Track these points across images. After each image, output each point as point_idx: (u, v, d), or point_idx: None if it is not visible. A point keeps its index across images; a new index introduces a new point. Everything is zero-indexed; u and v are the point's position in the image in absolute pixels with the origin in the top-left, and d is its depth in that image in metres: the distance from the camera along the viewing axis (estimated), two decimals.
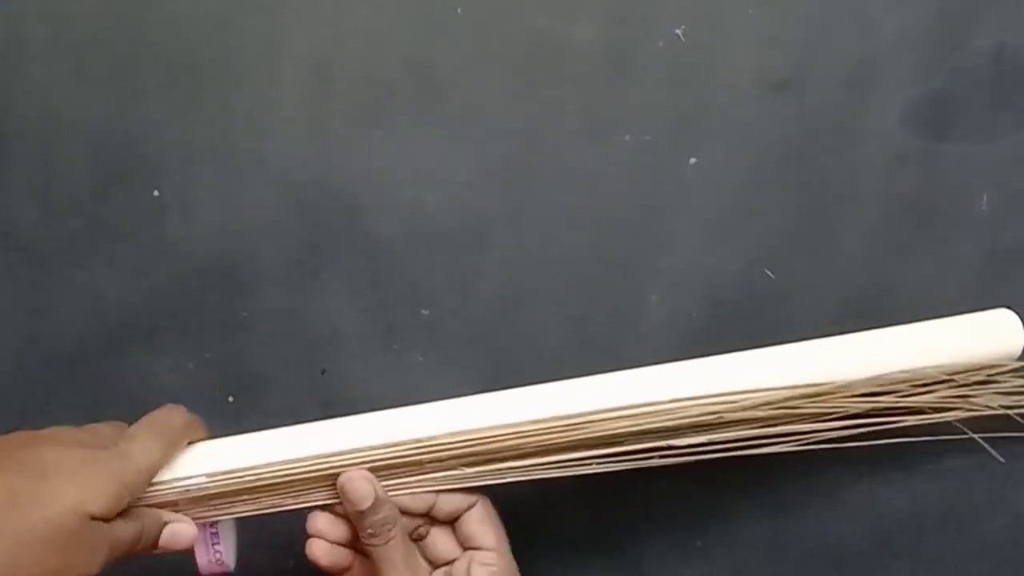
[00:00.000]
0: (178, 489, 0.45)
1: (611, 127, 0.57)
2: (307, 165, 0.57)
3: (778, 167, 0.57)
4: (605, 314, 0.58)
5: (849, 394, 0.50)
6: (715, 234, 0.57)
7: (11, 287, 0.58)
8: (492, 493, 0.50)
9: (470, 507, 0.48)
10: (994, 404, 0.54)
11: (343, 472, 0.46)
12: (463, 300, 0.58)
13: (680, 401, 0.48)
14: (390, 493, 0.47)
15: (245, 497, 0.46)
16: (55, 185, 0.57)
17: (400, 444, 0.47)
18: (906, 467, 0.58)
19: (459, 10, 0.56)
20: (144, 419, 0.46)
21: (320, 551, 0.47)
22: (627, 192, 0.57)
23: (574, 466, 0.48)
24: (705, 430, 0.49)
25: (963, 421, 0.53)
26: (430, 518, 0.48)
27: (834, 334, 0.53)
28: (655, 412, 0.48)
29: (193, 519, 0.46)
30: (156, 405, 0.48)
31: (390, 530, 0.46)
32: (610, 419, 0.48)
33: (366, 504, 0.45)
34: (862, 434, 0.51)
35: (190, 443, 0.47)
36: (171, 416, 0.46)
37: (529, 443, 0.47)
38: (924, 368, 0.52)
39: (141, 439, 0.44)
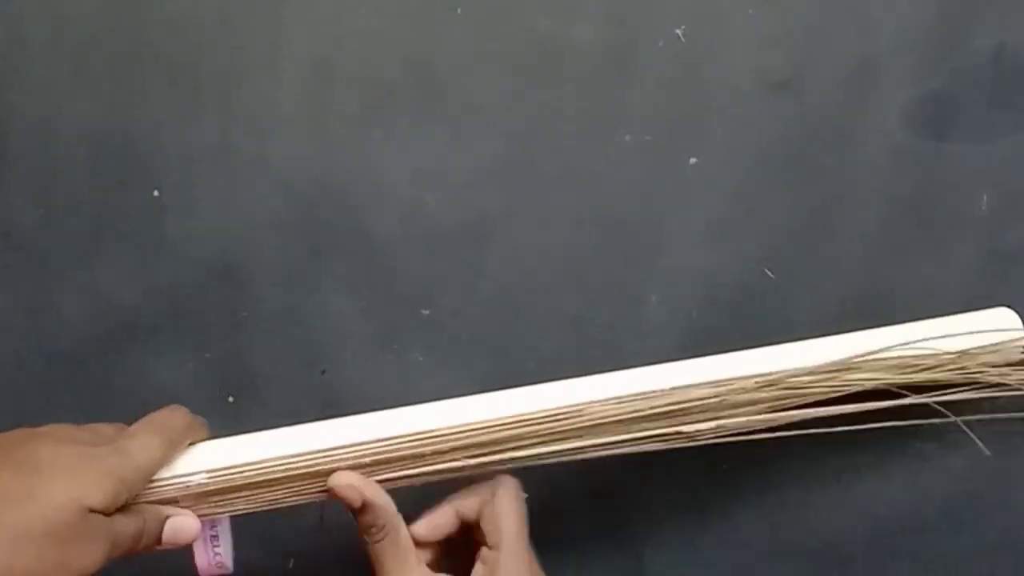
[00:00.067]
0: (178, 485, 0.45)
1: (611, 127, 0.57)
2: (307, 165, 0.57)
3: (778, 167, 0.57)
4: (605, 314, 0.58)
5: (851, 377, 0.50)
6: (715, 234, 0.57)
7: (11, 287, 0.58)
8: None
9: (484, 504, 0.48)
10: (993, 403, 0.54)
11: (334, 473, 0.46)
12: (463, 300, 0.58)
13: (680, 389, 0.49)
14: (396, 485, 0.47)
15: (246, 493, 0.46)
16: (55, 185, 0.57)
17: (400, 437, 0.47)
18: (906, 467, 0.58)
19: (459, 10, 0.56)
20: (145, 418, 0.46)
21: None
22: (627, 192, 0.57)
23: (576, 453, 0.48)
24: (707, 416, 0.49)
25: (963, 419, 0.53)
26: (466, 535, 0.49)
27: (834, 334, 0.53)
28: (656, 396, 0.48)
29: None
30: (156, 405, 0.48)
31: (377, 532, 0.46)
32: (611, 405, 0.48)
33: (354, 506, 0.46)
34: (863, 416, 0.51)
35: (191, 444, 0.46)
36: (173, 416, 0.46)
37: (530, 432, 0.47)
38: (924, 365, 0.52)
39: (140, 437, 0.44)
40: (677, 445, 0.50)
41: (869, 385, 0.51)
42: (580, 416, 0.48)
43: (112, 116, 0.57)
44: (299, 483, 0.47)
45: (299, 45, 0.56)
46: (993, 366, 0.53)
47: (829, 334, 0.53)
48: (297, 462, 0.46)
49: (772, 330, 0.54)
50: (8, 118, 0.57)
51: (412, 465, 0.48)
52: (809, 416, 0.51)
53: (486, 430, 0.47)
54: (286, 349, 0.58)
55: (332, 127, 0.57)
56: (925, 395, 0.52)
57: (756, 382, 0.50)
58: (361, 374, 0.58)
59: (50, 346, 0.58)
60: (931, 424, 0.54)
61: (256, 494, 0.46)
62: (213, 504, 0.46)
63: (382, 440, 0.47)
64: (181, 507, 0.46)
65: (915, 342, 0.52)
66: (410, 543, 0.47)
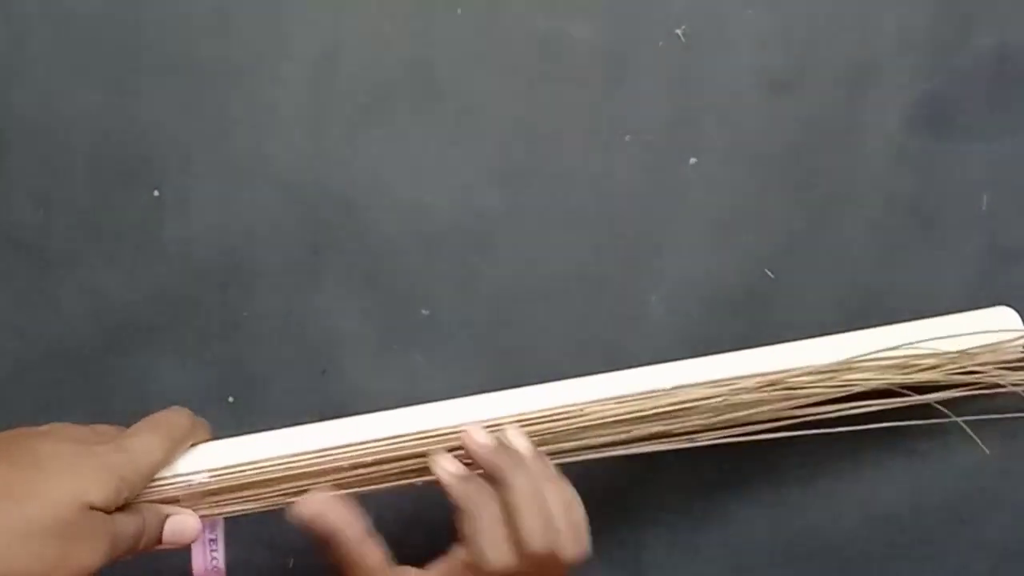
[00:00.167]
0: (180, 485, 0.45)
1: (611, 127, 0.57)
2: (307, 165, 0.57)
3: (778, 167, 0.57)
4: (605, 314, 0.58)
5: (852, 376, 0.50)
6: (715, 234, 0.57)
7: (11, 287, 0.58)
8: None
9: None
10: (993, 402, 0.54)
11: (304, 496, 0.45)
12: (463, 300, 0.58)
13: (681, 388, 0.49)
14: (397, 485, 0.47)
15: (247, 493, 0.46)
16: (55, 185, 0.57)
17: (401, 437, 0.47)
18: (907, 467, 0.58)
19: (459, 10, 0.56)
20: (147, 418, 0.46)
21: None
22: (627, 192, 0.57)
23: (577, 453, 0.49)
24: (708, 416, 0.49)
25: (963, 419, 0.54)
26: None
27: (834, 334, 0.53)
28: (657, 396, 0.49)
29: None
30: (156, 405, 0.48)
31: (339, 560, 0.46)
32: (612, 405, 0.48)
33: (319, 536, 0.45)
34: (863, 416, 0.51)
35: (193, 444, 0.46)
36: (175, 416, 0.46)
37: (531, 432, 0.47)
38: (924, 365, 0.52)
39: (142, 436, 0.44)
40: (678, 446, 0.50)
41: (870, 385, 0.51)
42: (581, 416, 0.48)
43: (112, 116, 0.57)
44: (300, 482, 0.47)
45: (299, 45, 0.56)
46: (993, 365, 0.53)
47: (829, 334, 0.53)
48: (298, 461, 0.46)
49: (772, 330, 0.54)
50: (8, 118, 0.57)
51: (413, 466, 0.48)
52: (810, 417, 0.51)
53: (487, 430, 0.47)
54: (286, 349, 0.58)
55: (332, 127, 0.57)
56: (925, 395, 0.52)
57: (757, 382, 0.50)
58: (361, 374, 0.58)
59: (50, 346, 0.58)
60: (931, 424, 0.54)
61: (257, 494, 0.46)
62: (214, 504, 0.46)
63: (382, 440, 0.47)
64: (182, 507, 0.46)
65: (915, 342, 0.52)
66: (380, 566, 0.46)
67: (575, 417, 0.48)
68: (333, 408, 0.50)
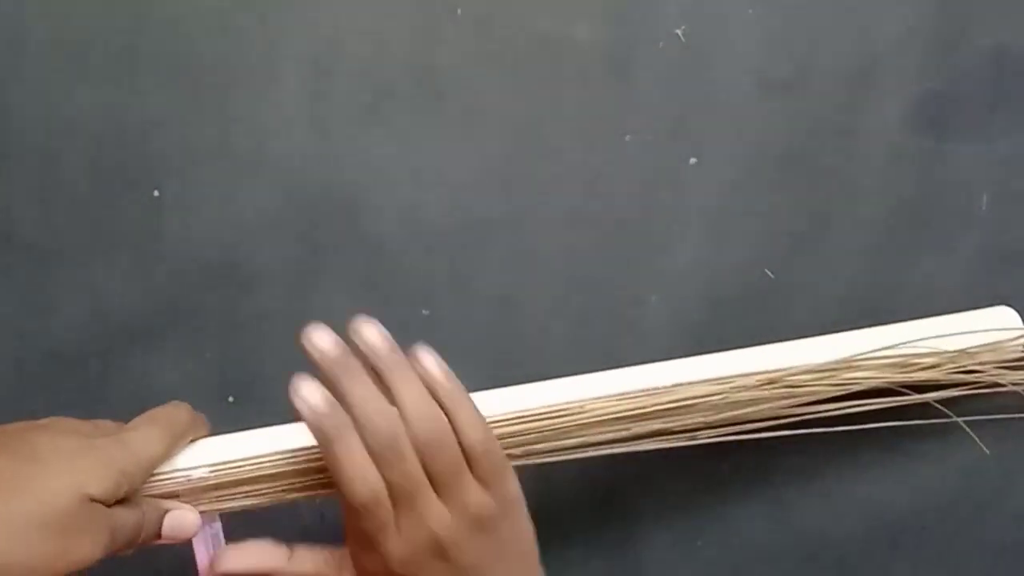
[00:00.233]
0: (179, 480, 0.45)
1: (611, 127, 0.57)
2: (307, 165, 0.57)
3: (778, 167, 0.57)
4: (605, 314, 0.58)
5: (852, 375, 0.50)
6: (715, 234, 0.57)
7: (11, 287, 0.58)
8: None
9: None
10: (992, 402, 0.54)
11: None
12: (463, 300, 0.58)
13: (682, 386, 0.49)
14: None
15: (247, 488, 0.46)
16: (55, 185, 0.57)
17: None
18: (906, 467, 0.58)
19: (459, 10, 0.56)
20: (147, 413, 0.45)
21: None
22: (627, 192, 0.57)
23: (576, 451, 0.48)
24: (708, 413, 0.49)
25: (963, 419, 0.54)
26: None
27: (834, 333, 0.53)
28: (658, 393, 0.49)
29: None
30: (156, 405, 0.47)
31: None
32: (612, 402, 0.48)
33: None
34: (863, 415, 0.51)
35: (193, 440, 0.46)
36: (175, 411, 0.46)
37: (530, 428, 0.47)
38: (924, 364, 0.52)
39: (142, 430, 0.44)
40: (678, 444, 0.50)
41: (869, 384, 0.51)
42: (581, 413, 0.48)
43: (112, 116, 0.57)
44: (301, 478, 0.46)
45: (299, 45, 0.56)
46: (993, 365, 0.54)
47: (829, 334, 0.53)
48: (299, 455, 0.46)
49: (772, 330, 0.54)
50: (8, 118, 0.57)
51: None
52: (809, 416, 0.51)
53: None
54: (286, 349, 0.58)
55: (332, 127, 0.57)
56: (925, 395, 0.52)
57: (757, 379, 0.50)
58: None
59: (50, 346, 0.58)
60: (931, 424, 0.54)
61: (257, 489, 0.46)
62: (214, 499, 0.46)
63: None
64: (182, 502, 0.45)
65: (915, 340, 0.52)
66: None
67: (575, 414, 0.48)
68: None
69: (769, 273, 0.57)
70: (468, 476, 0.43)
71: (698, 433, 0.50)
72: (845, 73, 0.56)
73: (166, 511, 0.44)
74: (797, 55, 0.56)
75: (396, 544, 0.43)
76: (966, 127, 0.56)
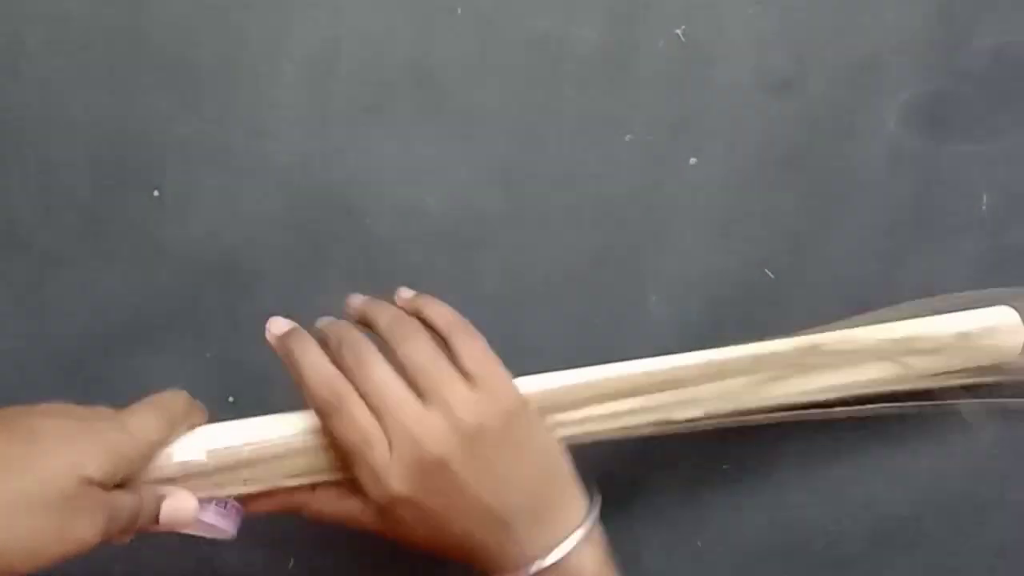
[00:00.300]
0: (176, 465, 0.45)
1: (611, 127, 0.57)
2: (307, 165, 0.57)
3: (778, 167, 0.57)
4: (605, 314, 0.58)
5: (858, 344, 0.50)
6: (715, 234, 0.57)
7: (11, 287, 0.58)
8: None
9: None
10: (993, 393, 0.54)
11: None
12: (463, 300, 0.58)
13: (680, 368, 0.49)
14: None
15: (245, 473, 0.46)
16: (55, 185, 0.57)
17: None
18: (906, 467, 0.58)
19: (459, 10, 0.56)
20: (146, 399, 0.45)
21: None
22: (627, 192, 0.57)
23: (575, 425, 0.48)
24: (705, 391, 0.49)
25: (963, 406, 0.54)
26: None
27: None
28: (655, 373, 0.49)
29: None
30: None
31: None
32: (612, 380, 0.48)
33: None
34: (863, 399, 0.51)
35: (192, 427, 0.46)
36: (173, 397, 0.46)
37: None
38: (924, 363, 0.52)
39: (141, 414, 0.44)
40: (676, 429, 0.49)
41: (871, 373, 0.51)
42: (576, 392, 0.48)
43: (112, 116, 0.57)
44: (298, 459, 0.46)
45: (299, 45, 0.56)
46: (993, 365, 0.54)
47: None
48: (296, 439, 0.46)
49: (772, 330, 0.54)
50: (8, 118, 0.57)
51: None
52: (809, 399, 0.51)
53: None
54: None
55: (332, 127, 0.57)
56: (927, 379, 0.52)
57: (755, 358, 0.49)
58: None
59: (50, 346, 0.58)
60: (930, 424, 0.54)
61: (255, 474, 0.46)
62: (212, 485, 0.45)
63: None
64: (180, 487, 0.45)
65: (916, 337, 0.52)
66: None
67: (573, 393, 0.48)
68: None
69: (769, 273, 0.57)
70: (453, 373, 0.44)
71: (699, 421, 0.49)
72: (845, 73, 0.56)
73: (163, 496, 0.44)
74: (797, 55, 0.56)
75: (393, 471, 0.42)
76: (966, 127, 0.56)
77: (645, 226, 0.57)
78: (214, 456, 0.45)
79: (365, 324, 0.47)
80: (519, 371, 0.52)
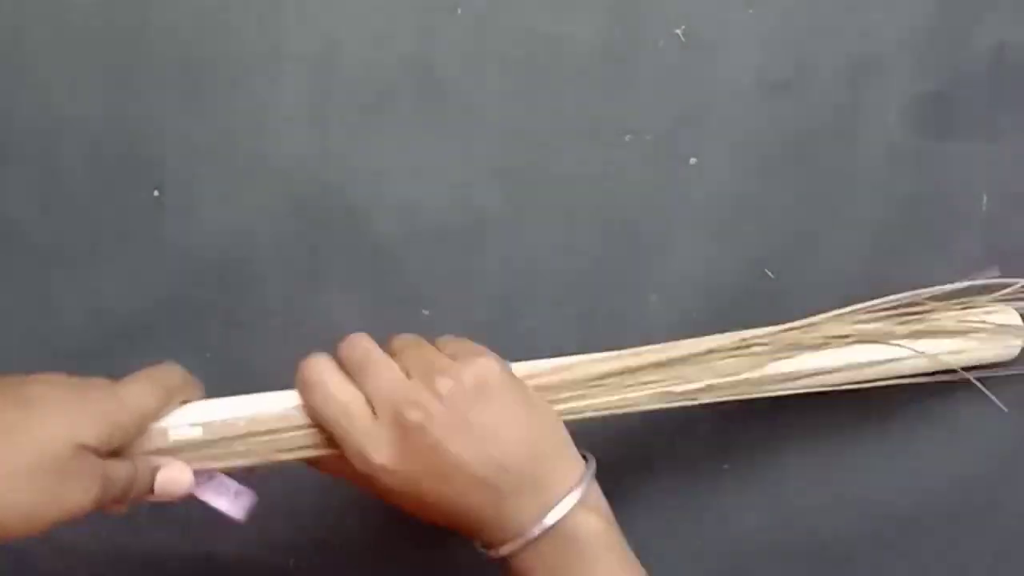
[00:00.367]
0: (171, 437, 0.45)
1: (611, 127, 0.57)
2: (307, 165, 0.57)
3: (778, 167, 0.57)
4: (605, 314, 0.58)
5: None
6: (715, 234, 0.57)
7: (11, 287, 0.58)
8: None
9: None
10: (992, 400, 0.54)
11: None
12: (463, 300, 0.58)
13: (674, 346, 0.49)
14: None
15: (240, 447, 0.46)
16: (55, 185, 0.57)
17: None
18: (906, 466, 0.58)
19: (459, 10, 0.56)
20: (141, 370, 0.45)
21: None
22: (627, 192, 0.57)
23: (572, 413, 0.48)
24: (701, 369, 0.49)
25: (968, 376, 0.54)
26: None
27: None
28: (648, 353, 0.49)
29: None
30: None
31: None
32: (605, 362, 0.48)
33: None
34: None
35: (186, 401, 0.46)
36: (168, 369, 0.46)
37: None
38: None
39: (135, 385, 0.44)
40: (674, 404, 0.49)
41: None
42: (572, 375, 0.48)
43: (112, 116, 0.57)
44: (294, 431, 0.46)
45: (299, 45, 0.56)
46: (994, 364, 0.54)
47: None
48: (291, 413, 0.46)
49: None
50: (8, 118, 0.57)
51: None
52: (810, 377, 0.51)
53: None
54: (286, 349, 0.58)
55: (332, 127, 0.57)
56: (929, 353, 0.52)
57: (751, 337, 0.50)
58: None
59: (50, 346, 0.58)
60: (930, 424, 0.54)
61: (251, 448, 0.46)
62: (207, 458, 0.45)
63: None
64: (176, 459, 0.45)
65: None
66: None
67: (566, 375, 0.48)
68: None
69: (769, 273, 0.57)
70: (435, 350, 0.45)
71: (699, 394, 0.49)
72: (845, 73, 0.56)
73: (158, 467, 0.44)
74: (797, 55, 0.56)
75: (375, 439, 0.43)
76: (966, 127, 0.56)
77: (645, 225, 0.57)
78: (209, 429, 0.45)
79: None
80: None
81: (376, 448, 0.43)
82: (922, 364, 0.52)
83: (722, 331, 0.56)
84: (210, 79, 0.57)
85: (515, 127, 0.57)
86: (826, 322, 0.51)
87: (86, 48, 0.56)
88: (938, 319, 0.52)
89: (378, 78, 0.56)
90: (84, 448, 0.40)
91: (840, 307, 0.56)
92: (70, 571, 0.60)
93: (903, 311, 0.52)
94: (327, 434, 0.45)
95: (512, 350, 0.58)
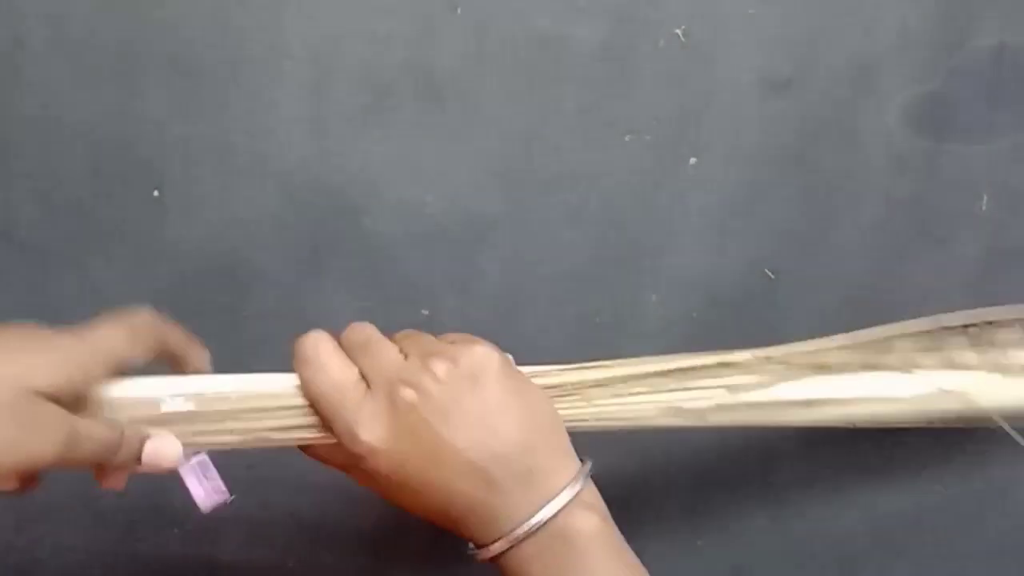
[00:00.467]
0: (161, 408, 0.44)
1: (611, 127, 0.57)
2: (307, 165, 0.57)
3: (778, 167, 0.57)
4: (605, 314, 0.58)
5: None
6: (715, 234, 0.57)
7: (11, 287, 0.58)
8: None
9: None
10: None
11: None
12: (463, 300, 0.58)
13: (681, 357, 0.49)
14: None
15: (232, 424, 0.45)
16: (55, 185, 0.57)
17: None
18: (906, 467, 0.58)
19: (459, 10, 0.56)
20: (111, 313, 0.44)
21: None
22: (627, 192, 0.57)
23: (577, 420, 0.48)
24: (708, 383, 0.49)
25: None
26: None
27: (835, 334, 0.53)
28: (650, 363, 0.49)
29: None
30: None
31: None
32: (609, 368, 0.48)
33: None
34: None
35: (161, 345, 0.45)
36: (140, 313, 0.45)
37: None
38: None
39: (100, 327, 0.43)
40: (683, 422, 0.49)
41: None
42: (578, 378, 0.48)
43: (112, 116, 0.57)
44: (283, 414, 0.46)
45: (299, 45, 0.56)
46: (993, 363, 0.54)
47: (830, 334, 0.53)
48: (285, 392, 0.45)
49: (772, 330, 0.54)
50: (8, 118, 0.57)
51: None
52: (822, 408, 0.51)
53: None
54: (286, 349, 0.58)
55: (332, 127, 0.57)
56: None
57: (758, 356, 0.49)
58: None
59: None
60: (931, 425, 0.54)
61: (243, 426, 0.45)
62: (196, 434, 0.45)
63: None
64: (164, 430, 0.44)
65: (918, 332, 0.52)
66: None
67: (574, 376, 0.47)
68: None
69: (769, 273, 0.57)
70: (433, 338, 0.45)
71: (708, 414, 0.49)
72: (845, 73, 0.56)
73: (147, 437, 0.43)
74: (797, 55, 0.56)
75: (366, 417, 0.42)
76: (966, 127, 0.56)
77: (645, 226, 0.57)
78: (201, 402, 0.45)
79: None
80: None
81: (365, 425, 0.42)
82: (953, 405, 0.50)
83: (722, 331, 0.56)
84: (210, 79, 0.57)
85: (515, 127, 0.57)
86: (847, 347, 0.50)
87: (86, 48, 0.56)
88: (961, 353, 0.51)
89: (378, 78, 0.56)
90: (39, 394, 0.38)
91: (839, 307, 0.57)
92: (70, 571, 0.60)
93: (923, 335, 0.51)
94: (320, 416, 0.44)
95: (512, 350, 0.58)
